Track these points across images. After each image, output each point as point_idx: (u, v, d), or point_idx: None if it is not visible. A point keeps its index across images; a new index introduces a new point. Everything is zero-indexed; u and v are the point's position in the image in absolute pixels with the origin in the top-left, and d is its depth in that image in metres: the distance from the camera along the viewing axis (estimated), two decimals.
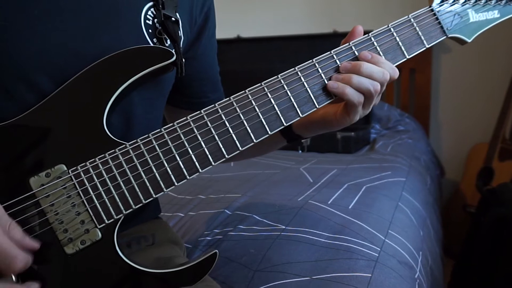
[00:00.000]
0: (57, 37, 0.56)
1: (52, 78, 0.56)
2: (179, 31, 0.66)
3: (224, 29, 2.25)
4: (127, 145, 0.56)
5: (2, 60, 0.53)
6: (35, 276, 0.52)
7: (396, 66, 0.65)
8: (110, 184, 0.55)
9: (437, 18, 0.68)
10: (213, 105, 0.59)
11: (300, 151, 1.91)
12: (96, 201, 0.54)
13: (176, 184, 0.57)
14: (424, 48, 0.67)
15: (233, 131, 0.58)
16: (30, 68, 0.55)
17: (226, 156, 0.58)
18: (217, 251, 0.59)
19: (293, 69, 0.61)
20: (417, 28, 0.67)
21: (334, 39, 2.26)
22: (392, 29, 0.65)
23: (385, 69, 0.62)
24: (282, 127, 0.60)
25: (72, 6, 0.57)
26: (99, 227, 0.54)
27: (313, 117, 0.69)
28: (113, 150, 0.55)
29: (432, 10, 0.68)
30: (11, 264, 0.45)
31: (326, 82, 0.62)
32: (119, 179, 0.55)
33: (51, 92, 0.55)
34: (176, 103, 0.79)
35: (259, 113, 0.59)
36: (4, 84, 0.54)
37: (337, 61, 0.63)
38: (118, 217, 0.55)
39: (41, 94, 0.55)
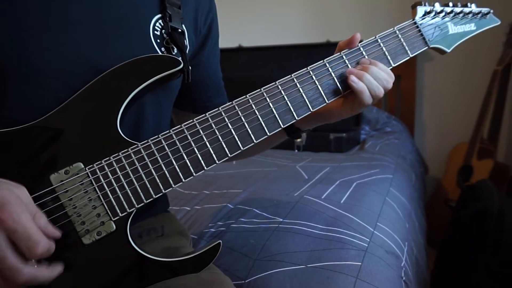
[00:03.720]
0: (72, 47, 0.56)
1: (68, 84, 0.56)
2: (185, 41, 0.66)
3: (227, 39, 2.25)
4: (139, 145, 0.56)
5: (21, 68, 0.53)
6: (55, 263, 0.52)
7: None
8: (123, 180, 0.55)
9: (419, 30, 0.68)
10: (217, 108, 0.59)
11: (296, 151, 1.91)
12: (110, 196, 0.55)
13: (183, 180, 0.57)
14: (408, 57, 0.68)
15: (235, 133, 0.59)
16: (47, 75, 0.55)
17: (229, 155, 0.59)
18: (220, 241, 0.60)
19: (289, 76, 0.62)
20: (401, 39, 0.67)
21: (327, 48, 2.26)
22: (379, 40, 0.66)
23: (390, 79, 0.64)
24: (279, 128, 0.61)
25: (86, 18, 0.57)
26: (113, 219, 0.55)
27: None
28: (126, 150, 0.56)
29: (415, 23, 0.68)
30: (33, 248, 0.45)
31: (320, 88, 0.62)
32: (131, 176, 0.55)
33: (67, 97, 0.55)
34: (183, 106, 0.79)
35: (259, 116, 0.60)
36: (23, 90, 0.54)
37: (330, 69, 0.63)
38: (131, 210, 0.56)
39: (58, 99, 0.55)
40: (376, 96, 0.63)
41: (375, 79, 0.62)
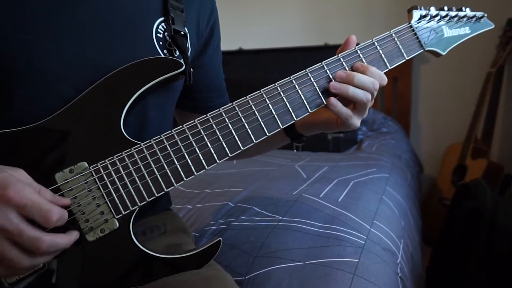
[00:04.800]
0: (78, 49, 0.56)
1: (73, 86, 0.56)
2: (187, 43, 0.66)
3: (228, 42, 2.25)
4: (142, 145, 0.56)
5: (28, 69, 0.53)
6: (60, 260, 0.52)
7: None
8: (126, 179, 0.55)
9: (415, 34, 0.68)
10: (217, 109, 0.59)
11: (295, 150, 1.91)
12: (114, 194, 0.55)
13: (185, 179, 0.57)
14: (404, 60, 0.67)
15: (235, 133, 0.59)
16: (53, 77, 0.55)
17: (229, 154, 0.58)
18: (221, 239, 0.60)
19: (288, 78, 0.61)
20: (398, 42, 0.67)
21: (325, 51, 2.27)
22: (376, 43, 0.65)
23: (375, 78, 0.62)
24: (279, 129, 0.60)
25: (91, 21, 0.57)
26: (116, 217, 0.55)
27: (317, 120, 0.69)
28: (129, 149, 0.56)
29: (411, 26, 0.68)
30: (47, 216, 0.45)
31: (318, 89, 0.62)
32: (134, 175, 0.55)
33: (73, 98, 0.55)
34: (185, 107, 0.79)
35: (259, 117, 0.59)
36: (30, 92, 0.54)
37: (327, 71, 0.63)
38: (134, 208, 0.55)
39: (63, 100, 0.55)
40: (362, 101, 0.62)
41: (360, 86, 0.61)
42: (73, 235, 0.50)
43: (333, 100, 0.61)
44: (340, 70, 0.62)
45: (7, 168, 0.47)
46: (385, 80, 0.63)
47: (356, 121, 0.64)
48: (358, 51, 0.64)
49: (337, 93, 0.61)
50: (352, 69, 0.63)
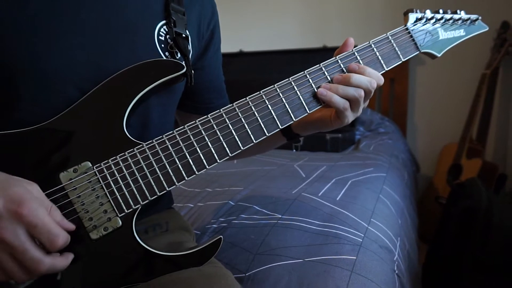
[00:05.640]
0: (81, 52, 0.56)
1: (77, 87, 0.56)
2: (188, 46, 0.66)
3: (228, 44, 2.26)
4: (144, 145, 0.56)
5: (33, 71, 0.53)
6: None
7: None
8: (129, 178, 0.55)
9: (411, 36, 0.68)
10: (218, 110, 0.59)
11: (294, 150, 1.91)
12: (117, 193, 0.55)
13: (186, 178, 0.57)
14: (401, 62, 0.67)
15: (235, 133, 0.59)
16: (57, 78, 0.55)
17: (230, 154, 0.58)
18: (222, 237, 0.60)
19: (287, 79, 0.62)
20: (394, 45, 0.67)
21: (323, 53, 2.27)
22: (372, 45, 0.66)
23: (372, 78, 0.62)
24: (278, 129, 0.60)
25: (94, 25, 0.57)
26: (119, 215, 0.55)
27: (311, 119, 0.69)
28: (132, 149, 0.56)
29: (407, 29, 0.68)
30: (54, 241, 0.45)
31: (316, 90, 0.62)
32: (137, 174, 0.55)
33: (77, 99, 0.55)
34: (186, 108, 0.79)
35: (258, 118, 0.60)
36: (35, 93, 0.54)
37: (325, 72, 0.63)
38: (136, 207, 0.55)
39: (67, 101, 0.55)
40: (356, 98, 0.62)
41: (357, 85, 0.61)
42: (70, 257, 0.50)
43: (322, 90, 0.61)
44: (337, 75, 0.63)
45: (23, 182, 0.47)
46: (381, 80, 0.64)
47: (350, 117, 0.64)
48: (356, 53, 0.64)
49: (324, 99, 0.61)
50: (348, 70, 0.63)
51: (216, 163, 0.58)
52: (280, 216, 0.93)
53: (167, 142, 0.57)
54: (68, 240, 0.48)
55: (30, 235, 0.45)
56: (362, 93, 0.62)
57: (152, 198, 0.56)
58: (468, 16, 0.73)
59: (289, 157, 1.69)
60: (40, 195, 0.48)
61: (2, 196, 0.44)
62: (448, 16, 0.71)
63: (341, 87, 0.61)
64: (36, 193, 0.48)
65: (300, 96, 0.61)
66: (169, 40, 0.63)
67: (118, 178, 0.55)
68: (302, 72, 0.62)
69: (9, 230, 0.44)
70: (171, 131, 0.57)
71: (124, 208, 0.55)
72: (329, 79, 0.63)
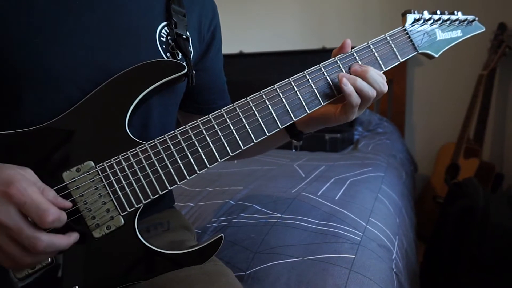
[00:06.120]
0: (83, 53, 0.56)
1: (80, 87, 0.56)
2: (189, 47, 0.66)
3: (229, 45, 2.25)
4: (146, 145, 0.56)
5: (36, 71, 0.54)
6: (67, 255, 0.52)
7: None
8: (131, 178, 0.55)
9: (409, 37, 0.68)
10: (219, 110, 0.59)
11: (293, 150, 1.91)
12: (119, 192, 0.55)
13: (188, 178, 0.57)
14: (399, 62, 0.67)
15: (236, 133, 0.59)
16: (61, 79, 0.55)
17: (231, 154, 0.58)
18: (222, 235, 0.60)
19: (287, 79, 0.62)
20: (392, 45, 0.67)
21: (323, 54, 2.27)
22: (371, 46, 0.66)
23: (384, 81, 0.63)
24: (278, 129, 0.60)
25: (97, 25, 0.57)
26: (122, 214, 0.55)
27: (314, 115, 0.68)
28: (134, 149, 0.56)
29: (405, 29, 0.68)
30: (43, 216, 0.45)
31: (316, 91, 0.62)
32: (139, 173, 0.55)
33: (79, 99, 0.55)
34: (188, 108, 0.79)
35: (259, 117, 0.60)
36: (38, 93, 0.54)
37: (325, 73, 0.63)
38: (138, 206, 0.56)
39: (70, 101, 0.55)
40: (368, 97, 0.62)
41: (372, 82, 0.61)
42: (73, 237, 0.50)
43: (345, 80, 0.60)
44: (357, 65, 0.62)
45: (15, 167, 0.48)
46: (386, 87, 0.64)
47: (356, 114, 0.64)
48: (355, 54, 0.64)
49: (345, 90, 0.60)
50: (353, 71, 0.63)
51: (217, 163, 0.58)
52: (280, 215, 0.93)
53: (169, 141, 0.57)
54: (62, 216, 0.47)
55: (24, 214, 0.45)
56: (375, 93, 0.62)
57: (154, 197, 0.56)
58: (465, 17, 0.73)
59: (289, 157, 1.69)
60: (33, 177, 0.48)
61: None
62: (445, 17, 0.71)
63: (359, 80, 0.61)
64: (29, 175, 0.48)
65: (300, 96, 0.61)
66: (170, 41, 0.63)
67: (121, 177, 0.55)
68: (302, 73, 0.62)
69: (2, 211, 0.44)
70: (173, 131, 0.57)
71: (127, 207, 0.55)
72: (329, 79, 0.63)
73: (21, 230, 0.44)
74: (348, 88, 0.60)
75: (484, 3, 2.06)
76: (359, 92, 0.61)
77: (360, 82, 0.61)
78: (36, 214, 0.45)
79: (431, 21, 0.70)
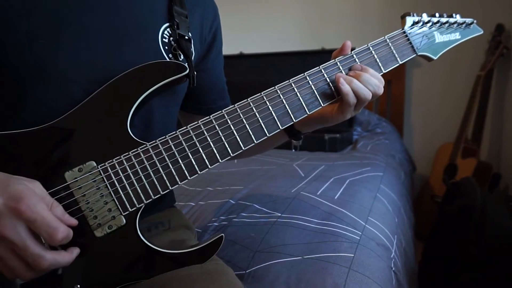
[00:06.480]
0: (86, 54, 0.56)
1: (83, 88, 0.56)
2: (191, 48, 0.66)
3: (229, 46, 2.25)
4: (147, 145, 0.56)
5: (40, 73, 0.54)
6: None
7: None
8: (133, 178, 0.55)
9: (408, 39, 0.68)
10: (220, 111, 0.59)
11: (293, 150, 1.91)
12: (121, 192, 0.55)
13: (189, 178, 0.57)
14: (398, 64, 0.67)
15: (237, 133, 0.59)
16: (64, 80, 0.55)
17: (231, 154, 0.59)
18: (223, 235, 0.60)
19: (287, 81, 0.62)
20: (391, 47, 0.67)
21: (322, 55, 2.27)
22: (371, 48, 0.66)
23: (380, 84, 0.63)
24: (278, 130, 0.61)
25: (99, 27, 0.57)
26: (123, 214, 0.55)
27: (312, 115, 0.69)
28: (135, 149, 0.56)
29: (404, 32, 0.68)
30: (54, 234, 0.45)
31: (316, 92, 0.62)
32: (140, 173, 0.55)
33: (81, 100, 0.55)
34: (189, 109, 0.79)
35: (259, 118, 0.60)
36: (41, 93, 0.54)
37: (325, 74, 0.63)
38: (140, 205, 0.56)
39: (73, 101, 0.55)
40: (364, 98, 0.62)
41: (366, 84, 0.62)
42: (74, 253, 0.50)
43: (342, 80, 0.61)
44: (357, 64, 0.63)
45: (24, 180, 0.47)
46: (382, 85, 0.64)
47: (352, 113, 0.65)
48: (354, 55, 0.65)
49: (342, 89, 0.61)
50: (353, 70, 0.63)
51: (218, 163, 0.58)
52: (280, 214, 0.93)
53: (170, 142, 0.57)
54: (69, 234, 0.48)
55: (32, 231, 0.45)
56: (370, 95, 0.62)
57: (155, 197, 0.56)
58: (463, 19, 0.74)
59: (289, 157, 1.69)
60: (42, 192, 0.48)
61: (2, 194, 0.44)
62: (444, 19, 0.71)
63: (354, 81, 0.61)
64: (37, 190, 0.48)
65: (300, 98, 0.61)
66: (172, 42, 0.63)
67: (122, 177, 0.55)
68: (302, 74, 0.62)
69: (9, 227, 0.44)
70: (174, 131, 0.57)
71: (128, 206, 0.55)
72: (329, 81, 0.63)
73: (27, 248, 0.44)
74: (345, 87, 0.61)
75: (482, 4, 2.06)
76: (355, 92, 0.61)
77: (355, 83, 0.61)
78: (47, 232, 0.45)
79: (430, 23, 0.70)
